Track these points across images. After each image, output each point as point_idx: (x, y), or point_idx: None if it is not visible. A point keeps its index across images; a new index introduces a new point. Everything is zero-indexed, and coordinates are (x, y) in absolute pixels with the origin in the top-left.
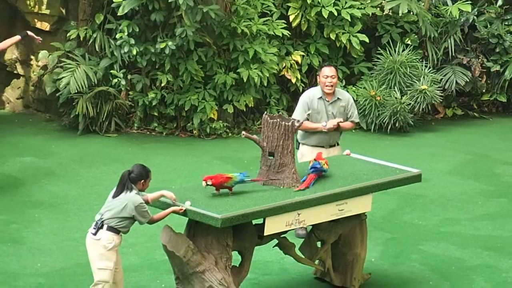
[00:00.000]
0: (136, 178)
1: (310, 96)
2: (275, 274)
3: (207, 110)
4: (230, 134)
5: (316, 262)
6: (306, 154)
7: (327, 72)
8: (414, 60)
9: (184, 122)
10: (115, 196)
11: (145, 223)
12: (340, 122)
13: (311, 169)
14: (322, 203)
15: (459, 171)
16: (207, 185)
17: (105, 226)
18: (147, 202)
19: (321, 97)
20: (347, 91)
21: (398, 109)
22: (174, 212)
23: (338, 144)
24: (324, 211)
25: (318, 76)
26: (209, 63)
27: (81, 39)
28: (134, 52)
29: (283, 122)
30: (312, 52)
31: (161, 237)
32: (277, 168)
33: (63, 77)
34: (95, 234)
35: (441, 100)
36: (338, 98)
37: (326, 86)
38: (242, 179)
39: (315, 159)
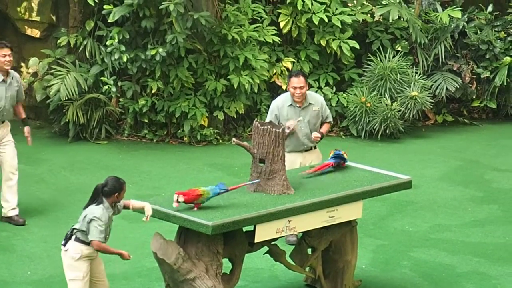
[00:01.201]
0: (110, 192)
1: (279, 105)
2: (265, 281)
3: (197, 117)
4: (220, 141)
5: (307, 269)
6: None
7: (295, 83)
8: (405, 67)
9: (174, 129)
10: (84, 208)
11: (92, 240)
12: (317, 137)
13: (331, 158)
14: (312, 210)
15: (449, 177)
16: (178, 201)
17: (73, 237)
18: (127, 207)
19: (291, 104)
20: (338, 98)
21: (389, 115)
22: (120, 256)
23: (315, 148)
24: (315, 218)
25: (288, 84)
26: (199, 70)
27: (72, 46)
28: (125, 59)
29: (274, 129)
30: (303, 59)
31: (152, 244)
32: (267, 175)
33: (53, 84)
34: (64, 245)
35: (431, 107)
36: (310, 103)
37: (295, 96)
38: (217, 193)
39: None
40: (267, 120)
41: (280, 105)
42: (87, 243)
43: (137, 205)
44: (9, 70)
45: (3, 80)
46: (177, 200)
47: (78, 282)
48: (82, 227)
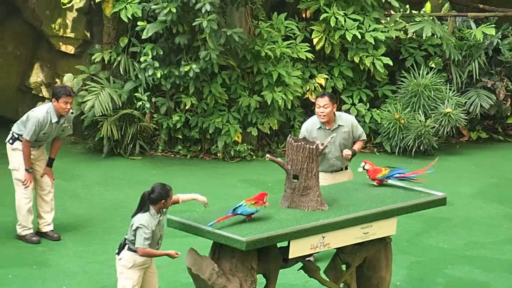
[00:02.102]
0: (157, 199)
1: (308, 127)
2: None
3: (231, 133)
4: (254, 157)
5: (341, 285)
6: None
7: (319, 102)
8: (438, 83)
9: (208, 145)
10: (132, 216)
11: (137, 247)
12: (348, 154)
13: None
14: (347, 226)
15: (484, 195)
16: (363, 168)
17: (126, 246)
18: (176, 203)
19: (320, 127)
20: (371, 114)
21: (423, 132)
22: (169, 256)
23: (347, 168)
24: (349, 234)
25: (315, 106)
26: (233, 86)
27: (106, 62)
28: (159, 75)
29: (308, 145)
30: (336, 75)
31: (186, 260)
32: (301, 191)
33: (87, 100)
34: (118, 253)
35: (465, 123)
36: (339, 125)
37: (319, 115)
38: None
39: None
40: None
41: (309, 128)
42: None
43: (186, 198)
44: None
45: (57, 122)
46: (363, 168)
47: None
48: (131, 236)
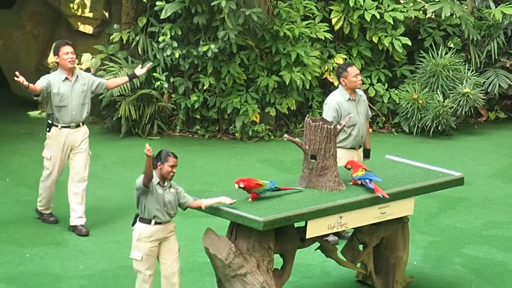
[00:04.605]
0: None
1: (338, 101)
2: (317, 277)
3: (249, 113)
4: (272, 137)
5: (358, 265)
6: (342, 157)
7: (355, 71)
8: (457, 63)
9: (226, 125)
10: None
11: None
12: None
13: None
14: (364, 206)
15: (502, 174)
16: (239, 187)
17: (138, 217)
18: (199, 207)
19: (349, 98)
20: (390, 94)
21: (441, 112)
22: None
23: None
24: (366, 214)
25: (344, 78)
26: (251, 66)
27: (124, 42)
28: (177, 55)
29: (326, 125)
30: (355, 55)
31: (203, 240)
32: (319, 171)
33: None
34: (132, 225)
35: (484, 103)
36: (359, 95)
37: (358, 83)
38: (272, 189)
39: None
40: (329, 116)
41: (339, 100)
42: (148, 222)
43: (209, 202)
44: (74, 70)
45: (66, 78)
46: (238, 187)
47: (136, 262)
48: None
